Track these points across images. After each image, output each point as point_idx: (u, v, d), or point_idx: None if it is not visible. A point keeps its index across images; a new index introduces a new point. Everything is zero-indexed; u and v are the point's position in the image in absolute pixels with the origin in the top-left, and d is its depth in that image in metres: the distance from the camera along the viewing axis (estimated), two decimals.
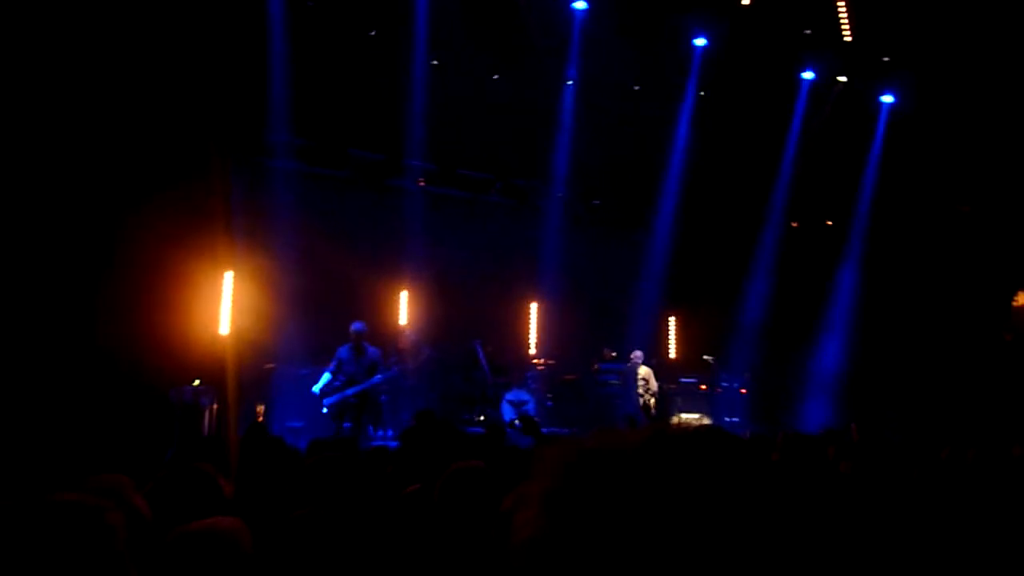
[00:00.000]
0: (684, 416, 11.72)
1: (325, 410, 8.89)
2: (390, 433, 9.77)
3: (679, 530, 0.78)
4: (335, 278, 11.45)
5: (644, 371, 11.45)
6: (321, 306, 11.08)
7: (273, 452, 4.83)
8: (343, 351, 8.98)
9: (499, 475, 3.17)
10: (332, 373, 8.96)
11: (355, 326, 8.92)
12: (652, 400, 10.92)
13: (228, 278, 9.45)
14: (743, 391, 12.72)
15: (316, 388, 9.00)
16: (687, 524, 0.78)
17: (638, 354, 11.88)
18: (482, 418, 11.30)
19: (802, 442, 4.50)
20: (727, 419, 12.10)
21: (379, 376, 8.92)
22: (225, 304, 9.40)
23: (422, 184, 12.28)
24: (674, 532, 0.77)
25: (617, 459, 0.82)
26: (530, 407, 11.46)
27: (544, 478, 0.83)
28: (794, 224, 14.05)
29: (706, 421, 11.36)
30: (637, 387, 11.39)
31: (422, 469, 4.18)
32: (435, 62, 11.50)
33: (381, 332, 10.38)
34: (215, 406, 8.61)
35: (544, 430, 11.51)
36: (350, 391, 8.79)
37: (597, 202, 14.10)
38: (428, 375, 11.36)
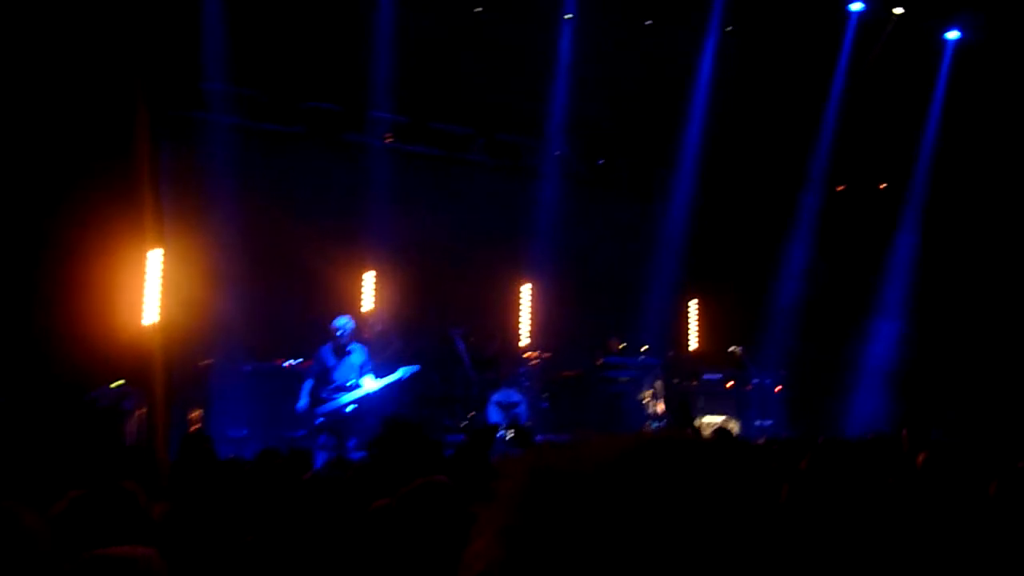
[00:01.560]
0: (707, 419, 11.81)
1: (318, 421, 9.15)
2: (353, 443, 9.85)
3: (660, 570, 0.78)
4: (285, 256, 11.47)
5: None
6: (269, 290, 11.11)
7: (212, 466, 4.90)
8: (327, 354, 9.23)
9: (474, 493, 3.24)
10: (318, 381, 9.25)
11: (350, 322, 9.37)
12: (655, 403, 11.01)
13: (155, 257, 9.47)
14: (778, 389, 12.82)
15: (303, 404, 9.15)
16: (671, 563, 0.78)
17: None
18: (465, 424, 11.37)
19: (840, 450, 4.55)
20: (758, 422, 12.21)
21: (395, 374, 9.33)
22: (152, 289, 9.43)
23: (389, 141, 12.27)
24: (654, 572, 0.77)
25: (588, 480, 0.82)
26: (521, 410, 11.54)
27: (502, 501, 0.83)
28: (839, 188, 14.10)
29: (732, 425, 11.52)
30: (649, 388, 11.47)
31: (391, 485, 4.25)
32: None
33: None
34: (141, 411, 8.65)
35: (539, 438, 11.68)
36: (346, 400, 9.07)
37: (602, 161, 14.12)
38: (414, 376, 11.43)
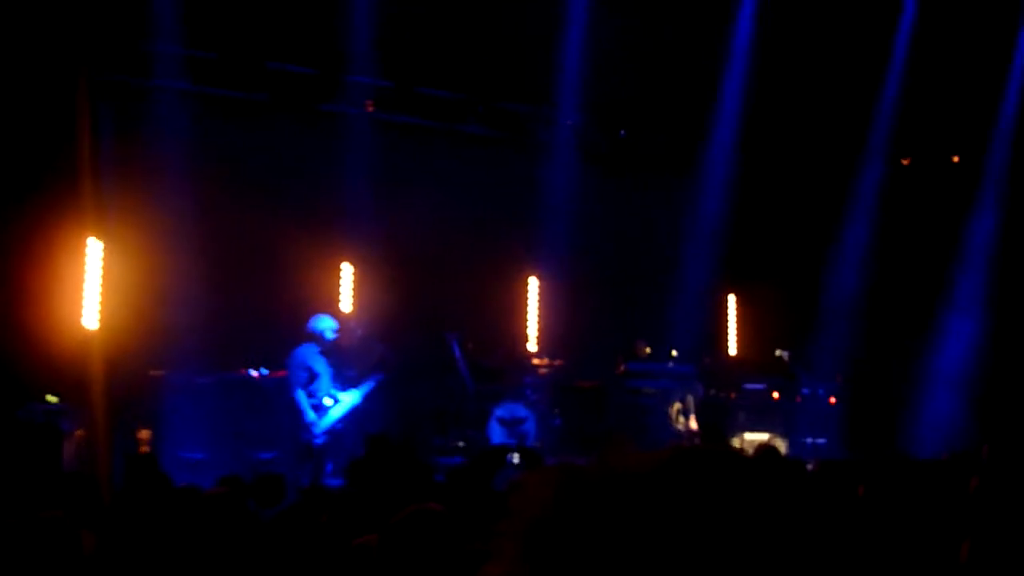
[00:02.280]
0: (749, 437, 11.82)
1: (320, 440, 9.31)
2: (329, 468, 9.88)
3: None
4: (248, 247, 11.48)
5: None
6: (229, 287, 11.13)
7: (163, 495, 4.93)
8: (316, 360, 9.40)
9: (474, 526, 3.24)
10: (305, 390, 9.36)
11: (334, 321, 9.46)
12: (685, 419, 10.96)
13: (95, 249, 9.49)
14: (832, 401, 12.82)
15: (311, 418, 9.35)
16: None
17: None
18: (462, 444, 11.39)
19: (907, 473, 4.55)
20: (809, 440, 12.22)
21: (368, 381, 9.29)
22: (91, 286, 9.44)
23: (371, 110, 12.28)
24: None
25: (621, 495, 0.86)
26: (529, 427, 11.55)
27: (522, 522, 0.87)
28: (904, 161, 14.08)
29: (779, 444, 11.53)
30: (678, 401, 11.44)
31: (376, 515, 4.27)
32: None
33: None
34: (80, 431, 8.68)
35: (550, 461, 11.67)
36: (338, 413, 9.16)
37: (623, 133, 14.11)
38: (383, 385, 11.42)
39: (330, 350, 9.65)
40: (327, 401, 9.58)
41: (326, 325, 9.68)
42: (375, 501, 4.57)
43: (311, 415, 9.30)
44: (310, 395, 9.34)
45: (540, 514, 0.87)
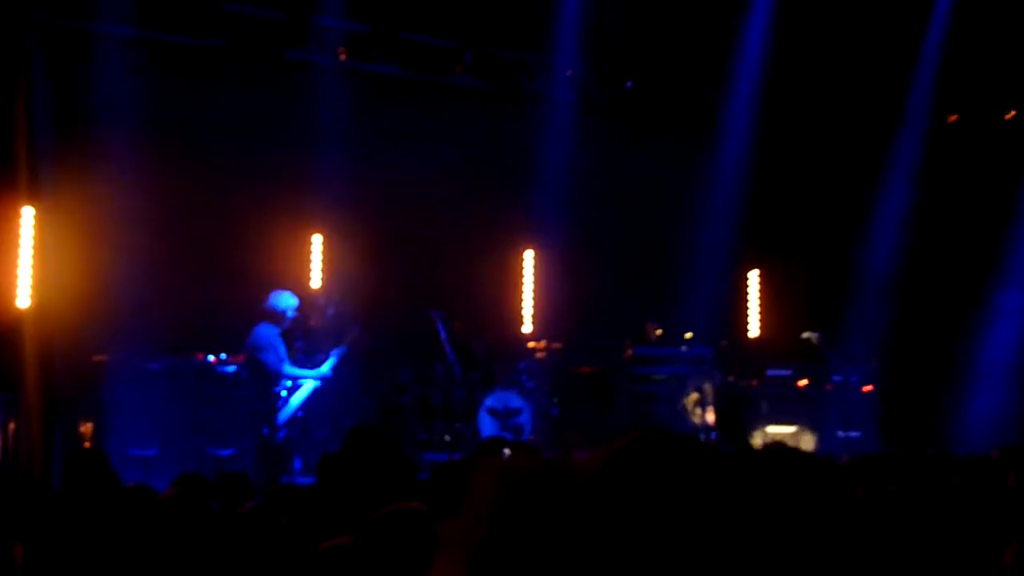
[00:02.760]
0: (772, 430, 11.84)
1: (282, 435, 9.32)
2: (298, 465, 9.87)
3: None
4: (204, 216, 11.45)
5: None
6: (183, 261, 11.11)
7: (108, 495, 4.90)
8: (278, 341, 9.41)
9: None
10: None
11: (293, 299, 9.44)
12: (702, 411, 10.88)
13: (27, 218, 9.44)
14: (867, 389, 12.85)
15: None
16: None
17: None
18: (448, 438, 11.41)
19: (949, 468, 4.52)
20: (841, 433, 12.25)
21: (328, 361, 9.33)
22: (24, 261, 9.40)
23: (343, 59, 12.21)
24: None
25: (567, 496, 0.91)
26: (524, 419, 11.58)
27: (468, 523, 0.91)
28: (951, 118, 14.05)
29: (806, 438, 11.56)
30: (694, 390, 11.41)
31: (350, 516, 4.25)
32: None
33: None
34: (11, 424, 8.66)
35: (548, 455, 11.64)
36: (296, 399, 9.18)
37: (630, 84, 14.06)
38: (359, 370, 11.42)
39: (290, 331, 9.63)
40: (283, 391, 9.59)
41: (287, 303, 9.66)
42: (350, 501, 4.54)
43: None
44: (271, 383, 9.34)
45: (481, 524, 0.92)
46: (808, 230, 13.81)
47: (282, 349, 9.57)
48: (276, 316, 9.65)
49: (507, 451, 7.36)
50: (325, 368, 9.68)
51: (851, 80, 13.45)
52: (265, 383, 9.60)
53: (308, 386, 9.70)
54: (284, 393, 9.56)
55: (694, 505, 0.89)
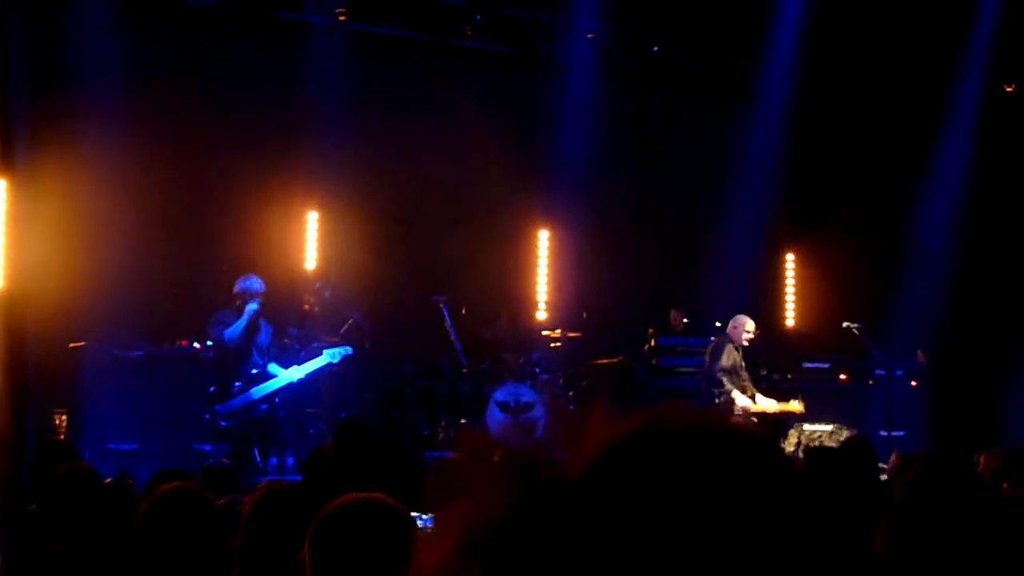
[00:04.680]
0: (808, 428, 11.81)
1: (223, 423, 9.04)
2: (290, 462, 9.89)
3: None
4: (193, 190, 11.47)
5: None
6: (167, 240, 11.14)
7: (83, 492, 4.93)
8: (230, 328, 9.22)
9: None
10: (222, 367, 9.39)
11: (259, 284, 9.13)
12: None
13: (0, 191, 9.47)
14: (914, 383, 12.83)
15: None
16: None
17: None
18: (452, 433, 11.42)
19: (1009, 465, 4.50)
20: (884, 432, 12.22)
21: (320, 359, 9.15)
22: None
23: (343, 19, 12.21)
24: None
25: (547, 504, 0.91)
26: (536, 414, 11.57)
27: (471, 532, 0.92)
28: (1008, 88, 13.97)
29: (846, 435, 11.52)
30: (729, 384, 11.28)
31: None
32: None
33: (273, 285, 10.44)
34: None
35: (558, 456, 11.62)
36: (258, 392, 8.98)
37: (657, 49, 14.03)
38: (357, 360, 11.43)
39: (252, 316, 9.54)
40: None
41: (243, 286, 9.64)
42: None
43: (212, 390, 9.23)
44: (227, 375, 9.26)
45: (491, 529, 0.92)
46: (851, 210, 13.75)
47: (232, 320, 9.46)
48: (233, 299, 9.66)
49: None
50: (310, 367, 9.52)
51: (900, 45, 13.36)
52: (218, 365, 9.59)
53: (280, 380, 9.60)
54: (245, 381, 9.35)
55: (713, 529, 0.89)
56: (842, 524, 3.83)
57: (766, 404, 10.40)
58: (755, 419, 10.27)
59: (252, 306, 9.49)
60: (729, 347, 10.43)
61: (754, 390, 10.39)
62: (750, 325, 10.41)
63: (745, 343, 10.42)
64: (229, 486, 5.90)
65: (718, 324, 13.00)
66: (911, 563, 2.70)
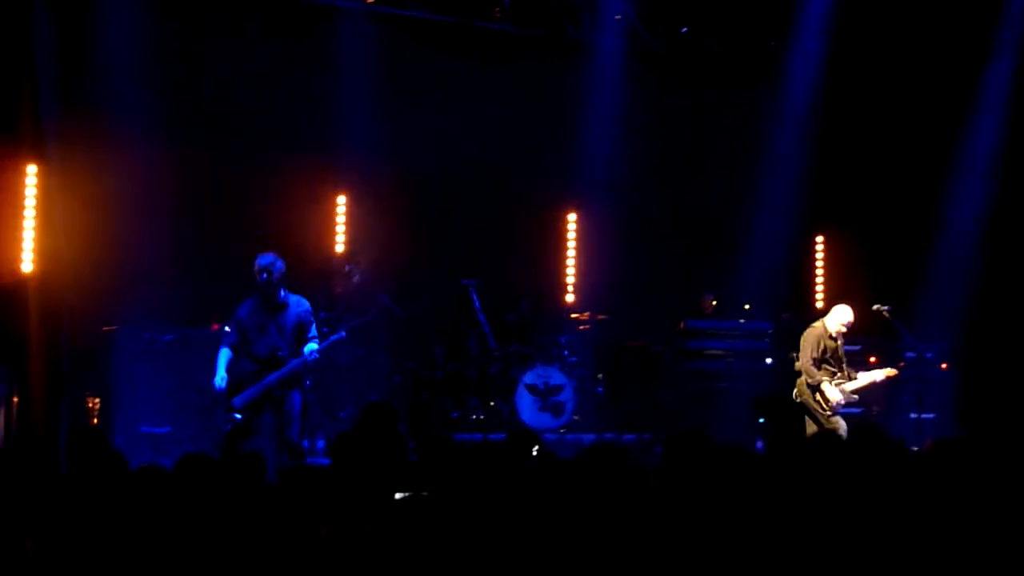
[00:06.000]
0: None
1: (239, 416, 8.69)
2: (320, 444, 9.94)
3: None
4: (220, 175, 11.51)
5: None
6: (197, 224, 11.19)
7: (114, 477, 4.97)
8: (244, 308, 8.86)
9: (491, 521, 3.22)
10: (232, 347, 8.80)
11: (261, 260, 8.79)
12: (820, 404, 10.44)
13: (31, 177, 9.52)
14: (944, 366, 12.76)
15: (218, 380, 8.67)
16: None
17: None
18: (482, 416, 11.46)
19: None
20: (914, 415, 12.18)
21: (314, 346, 8.74)
22: (28, 223, 9.49)
23: (370, 2, 12.20)
24: None
25: None
26: (566, 396, 11.60)
27: None
28: None
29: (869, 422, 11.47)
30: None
31: (369, 501, 4.30)
32: None
33: (303, 268, 10.44)
34: (15, 398, 8.76)
35: (590, 436, 11.74)
36: (272, 376, 8.64)
37: (685, 30, 13.96)
38: (387, 343, 11.47)
39: (270, 296, 8.76)
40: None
41: (262, 263, 8.82)
42: (364, 482, 4.57)
43: (217, 380, 8.63)
44: (236, 355, 8.81)
45: None
46: (880, 191, 13.65)
47: (233, 331, 8.89)
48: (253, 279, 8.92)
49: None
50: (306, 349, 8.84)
51: (931, 23, 13.23)
52: (237, 361, 8.90)
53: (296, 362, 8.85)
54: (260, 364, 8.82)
55: None
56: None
57: (867, 377, 10.28)
58: (856, 396, 10.15)
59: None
60: (822, 336, 10.30)
61: (850, 371, 10.28)
62: (847, 315, 10.27)
63: (839, 332, 10.29)
64: (258, 470, 5.91)
65: (747, 307, 13.00)
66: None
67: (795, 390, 10.24)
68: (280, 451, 8.66)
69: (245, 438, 8.60)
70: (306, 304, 8.92)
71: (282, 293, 8.75)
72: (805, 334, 10.34)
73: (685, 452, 4.52)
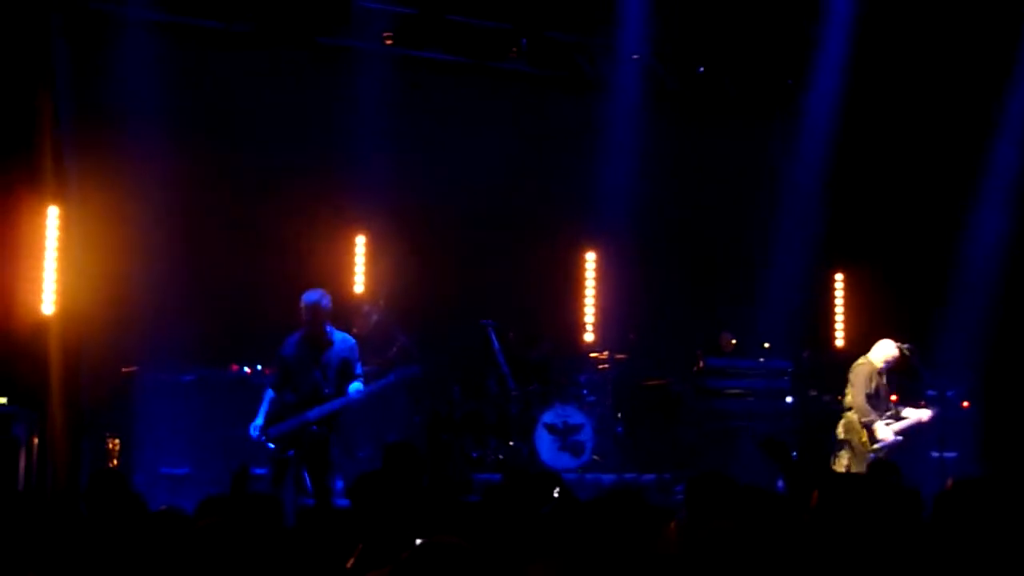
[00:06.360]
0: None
1: (272, 446, 8.64)
2: (339, 484, 9.89)
3: None
4: (240, 216, 11.55)
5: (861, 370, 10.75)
6: (216, 265, 11.22)
7: (134, 519, 4.97)
8: (289, 345, 8.79)
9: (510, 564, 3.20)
10: (274, 387, 8.75)
11: (308, 297, 8.77)
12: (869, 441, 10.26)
13: (52, 218, 9.57)
14: (966, 404, 12.68)
15: (253, 427, 8.63)
16: None
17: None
18: (502, 456, 11.42)
19: None
20: (935, 454, 12.09)
21: (359, 385, 8.71)
22: (49, 264, 9.53)
23: (389, 43, 12.27)
24: None
25: None
26: (585, 436, 11.55)
27: None
28: None
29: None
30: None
31: (390, 543, 4.28)
32: None
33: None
34: (35, 439, 8.76)
35: (609, 477, 11.68)
36: (314, 412, 8.61)
37: (702, 70, 14.00)
38: (404, 382, 11.44)
39: (317, 334, 8.70)
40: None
41: (308, 300, 8.76)
42: (386, 524, 4.56)
43: (255, 423, 8.57)
44: (279, 395, 8.74)
45: None
46: (900, 228, 13.60)
47: (275, 370, 8.90)
48: (300, 316, 8.83)
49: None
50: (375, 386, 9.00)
51: (947, 60, 13.22)
52: (279, 399, 8.84)
53: (339, 401, 8.75)
54: (300, 400, 8.71)
55: None
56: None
57: (915, 416, 10.25)
58: (901, 437, 10.09)
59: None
60: (872, 372, 10.26)
61: (896, 409, 10.25)
62: (892, 349, 10.23)
63: (886, 367, 10.26)
64: (275, 512, 5.90)
65: (767, 345, 12.94)
66: None
67: (840, 427, 10.17)
68: (300, 491, 8.62)
69: (281, 471, 8.57)
70: (352, 342, 8.89)
71: (328, 330, 8.74)
72: (855, 370, 10.28)
73: (707, 494, 4.51)
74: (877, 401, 10.13)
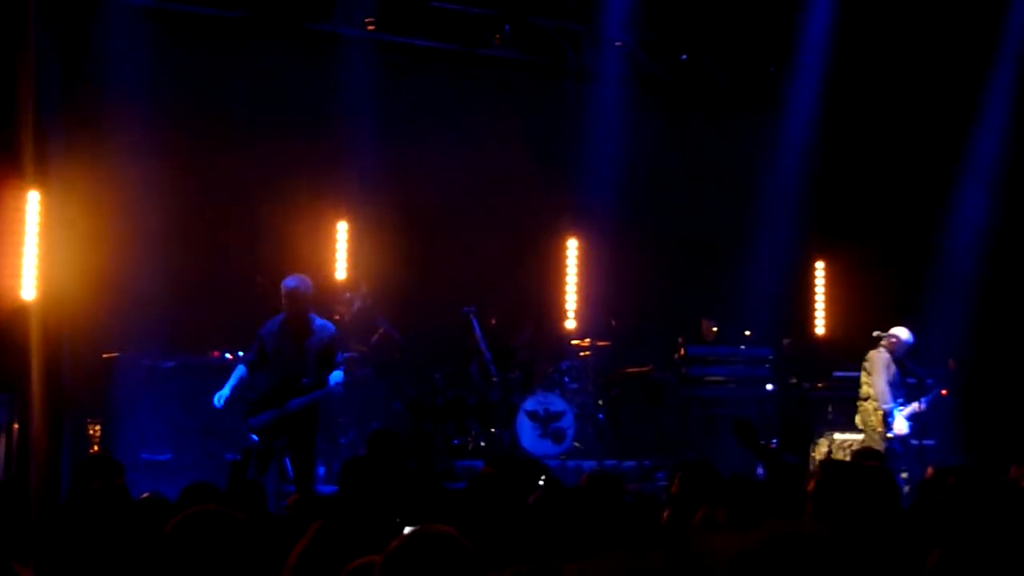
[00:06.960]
0: (838, 437, 11.76)
1: (255, 437, 8.59)
2: (321, 471, 9.89)
3: None
4: (224, 201, 11.52)
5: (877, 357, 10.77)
6: (198, 250, 11.18)
7: (114, 508, 4.95)
8: (269, 327, 8.76)
9: (497, 552, 3.20)
10: (249, 364, 8.76)
11: (288, 282, 8.73)
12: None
13: (32, 203, 9.52)
14: (945, 392, 12.73)
15: (217, 397, 8.66)
16: None
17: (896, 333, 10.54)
18: (483, 443, 11.42)
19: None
20: (915, 441, 12.15)
21: (339, 375, 8.55)
22: (29, 250, 9.48)
23: (371, 29, 12.24)
24: None
25: None
26: (566, 423, 11.56)
27: None
28: None
29: (876, 447, 11.43)
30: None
31: (375, 531, 4.27)
32: None
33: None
34: (15, 425, 8.74)
35: (591, 463, 11.69)
36: (294, 403, 8.58)
37: (685, 57, 14.00)
38: (385, 370, 11.44)
39: (295, 315, 8.70)
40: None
41: (288, 285, 8.73)
42: (372, 516, 4.56)
43: (220, 394, 8.58)
44: (250, 375, 8.70)
45: None
46: (880, 216, 13.65)
47: (254, 352, 8.84)
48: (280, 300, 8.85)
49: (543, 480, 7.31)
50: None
51: (930, 49, 13.24)
52: (253, 383, 8.88)
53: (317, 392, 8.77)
54: (284, 389, 8.71)
55: None
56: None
57: (912, 406, 10.42)
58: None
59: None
60: (888, 359, 10.33)
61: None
62: (910, 336, 10.34)
63: (900, 352, 10.37)
64: (259, 499, 5.89)
65: (748, 333, 12.97)
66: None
67: (857, 416, 10.24)
68: (282, 480, 8.62)
69: (265, 461, 8.54)
70: (332, 329, 8.91)
71: (310, 317, 8.72)
72: (871, 358, 10.34)
73: (697, 481, 4.52)
74: (895, 388, 10.23)
